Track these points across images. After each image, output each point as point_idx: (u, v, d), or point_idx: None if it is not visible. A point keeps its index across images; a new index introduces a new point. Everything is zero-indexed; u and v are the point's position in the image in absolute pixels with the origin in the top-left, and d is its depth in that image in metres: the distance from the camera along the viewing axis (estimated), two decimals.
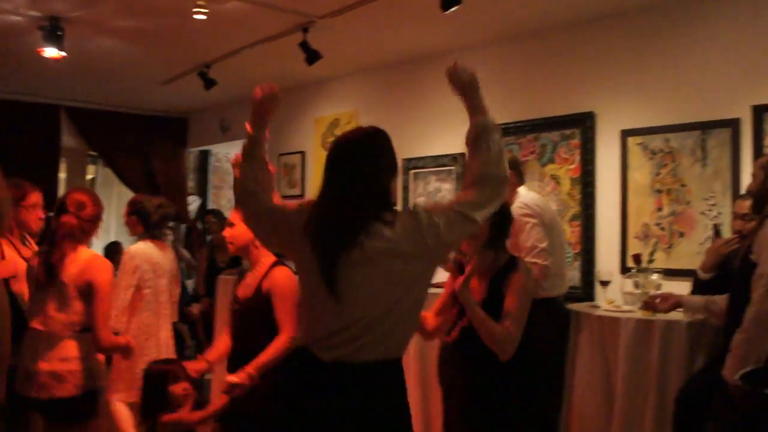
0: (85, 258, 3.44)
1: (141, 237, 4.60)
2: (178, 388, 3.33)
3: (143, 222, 4.61)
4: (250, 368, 3.19)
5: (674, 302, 3.79)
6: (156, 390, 3.33)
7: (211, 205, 9.59)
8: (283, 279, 3.35)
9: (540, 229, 4.10)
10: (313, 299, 2.36)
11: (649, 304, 3.89)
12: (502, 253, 3.18)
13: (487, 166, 2.30)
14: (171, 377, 3.34)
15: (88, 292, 3.38)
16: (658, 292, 4.05)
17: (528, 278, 3.10)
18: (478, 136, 2.32)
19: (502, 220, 3.16)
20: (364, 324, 2.26)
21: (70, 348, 3.39)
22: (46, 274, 3.39)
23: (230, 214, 3.55)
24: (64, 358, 3.37)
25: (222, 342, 3.57)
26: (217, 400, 3.31)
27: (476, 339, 3.01)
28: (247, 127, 2.60)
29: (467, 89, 2.38)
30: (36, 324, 3.41)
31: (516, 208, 4.22)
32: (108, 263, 3.53)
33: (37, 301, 3.44)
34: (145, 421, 3.36)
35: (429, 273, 2.37)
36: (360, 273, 2.24)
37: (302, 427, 2.36)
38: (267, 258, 3.44)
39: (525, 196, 4.35)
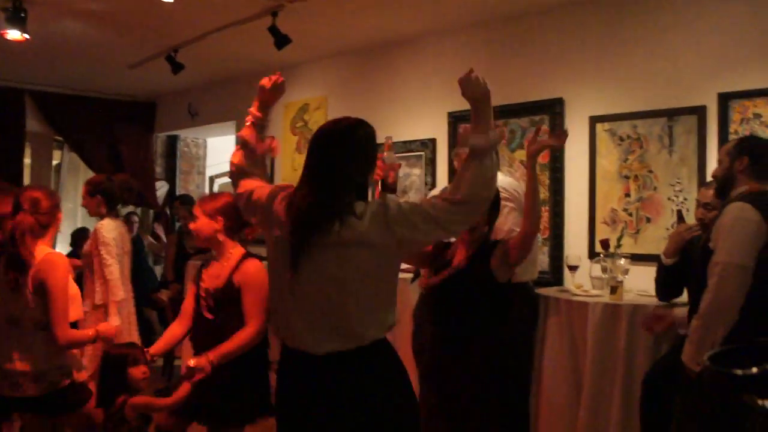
0: (39, 258, 3.43)
1: (106, 216, 4.64)
2: (138, 372, 3.32)
3: (108, 201, 4.66)
4: (212, 355, 3.19)
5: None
6: (115, 373, 3.31)
7: (179, 191, 9.50)
8: (255, 271, 3.34)
9: (517, 213, 4.10)
10: (277, 284, 2.42)
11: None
12: (490, 233, 3.40)
13: (475, 187, 2.30)
14: (130, 360, 3.32)
15: (42, 291, 3.37)
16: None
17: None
18: (474, 153, 2.32)
19: (496, 198, 3.41)
20: (320, 311, 2.31)
21: (39, 346, 3.39)
22: (16, 271, 3.39)
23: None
24: (34, 356, 3.37)
25: (171, 333, 3.53)
26: (182, 386, 3.28)
27: (457, 290, 3.27)
28: (253, 110, 2.82)
29: (478, 102, 2.39)
30: (5, 322, 3.42)
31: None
32: (62, 260, 3.50)
33: (6, 300, 3.43)
34: (103, 404, 3.34)
35: (394, 266, 2.40)
36: (325, 259, 2.29)
37: (281, 415, 2.47)
38: (235, 250, 3.43)
39: (502, 180, 4.28)
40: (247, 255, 3.42)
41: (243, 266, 3.35)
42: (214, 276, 3.41)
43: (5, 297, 3.42)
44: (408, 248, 2.42)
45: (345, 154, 2.35)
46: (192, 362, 3.21)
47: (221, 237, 3.41)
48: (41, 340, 3.40)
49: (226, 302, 3.34)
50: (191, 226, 3.48)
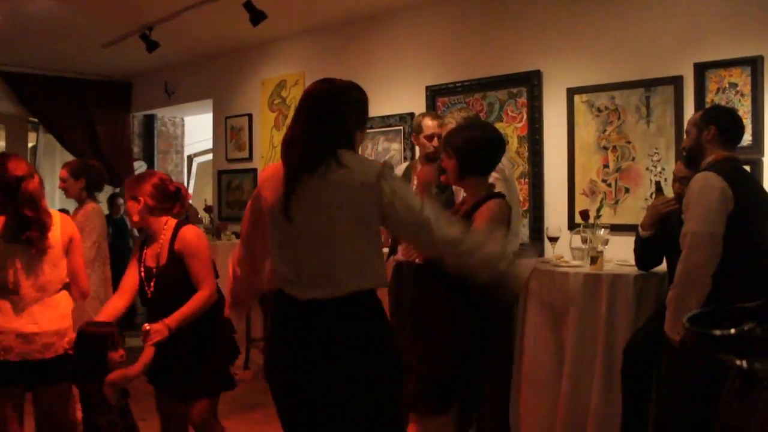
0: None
1: (87, 199, 4.69)
2: (116, 356, 3.31)
3: (92, 186, 4.70)
4: (169, 320, 3.28)
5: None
6: (91, 353, 3.28)
7: (157, 170, 9.45)
8: (193, 237, 3.42)
9: (502, 184, 4.09)
10: (273, 237, 2.49)
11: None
12: (482, 188, 3.27)
13: (476, 257, 2.42)
14: (110, 343, 3.30)
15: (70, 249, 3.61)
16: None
17: (500, 206, 3.19)
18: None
19: (473, 151, 3.23)
20: (305, 257, 2.39)
21: (61, 307, 3.54)
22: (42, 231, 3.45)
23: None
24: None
25: (113, 305, 3.54)
26: (145, 351, 3.36)
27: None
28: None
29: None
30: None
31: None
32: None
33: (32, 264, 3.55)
34: (77, 383, 3.36)
35: (374, 222, 2.43)
36: (310, 206, 2.37)
37: (271, 360, 2.55)
38: (168, 223, 3.49)
39: None
40: (181, 223, 3.49)
41: (180, 234, 3.42)
42: (153, 255, 3.47)
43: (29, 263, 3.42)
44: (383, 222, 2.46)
45: (338, 104, 2.45)
46: (147, 326, 3.30)
47: (147, 217, 3.46)
48: (59, 300, 3.49)
49: (167, 277, 3.41)
50: (129, 208, 3.55)
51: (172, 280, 3.40)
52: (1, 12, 5.50)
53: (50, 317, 3.43)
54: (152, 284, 3.45)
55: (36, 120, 8.94)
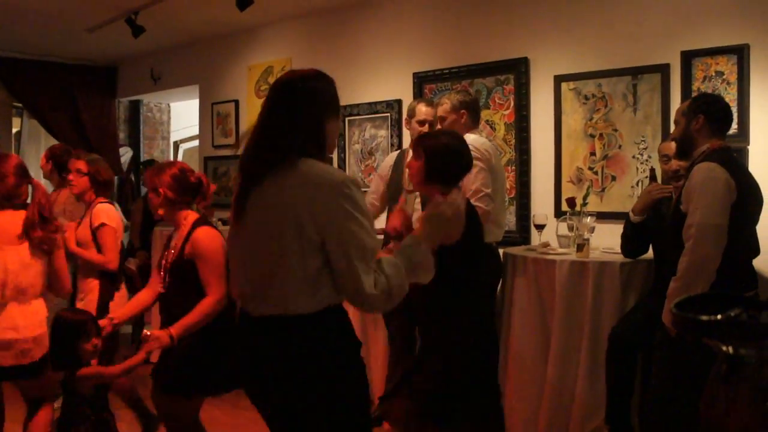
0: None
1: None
2: (89, 345, 3.29)
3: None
4: (173, 328, 3.16)
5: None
6: (65, 342, 3.28)
7: (144, 157, 9.40)
8: (204, 239, 3.27)
9: (486, 173, 4.10)
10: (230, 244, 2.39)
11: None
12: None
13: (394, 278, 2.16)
14: (82, 333, 3.28)
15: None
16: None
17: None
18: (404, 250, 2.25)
19: (445, 158, 3.24)
20: (252, 271, 2.25)
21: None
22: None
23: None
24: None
25: (137, 300, 3.53)
26: (137, 355, 3.26)
27: None
28: None
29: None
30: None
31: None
32: None
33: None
34: (56, 371, 3.35)
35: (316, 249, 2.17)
36: (257, 216, 2.22)
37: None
38: (188, 218, 3.38)
39: (475, 139, 4.24)
40: (198, 222, 3.36)
41: (192, 236, 3.28)
42: (173, 247, 3.38)
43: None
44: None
45: (291, 104, 2.25)
46: (148, 332, 3.19)
47: (168, 209, 3.37)
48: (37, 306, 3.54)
49: (179, 275, 3.30)
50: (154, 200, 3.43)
51: (182, 279, 3.29)
52: None
53: (30, 323, 3.42)
54: (166, 279, 3.36)
55: (20, 105, 8.86)
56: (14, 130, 9.18)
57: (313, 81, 2.30)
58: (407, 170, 3.62)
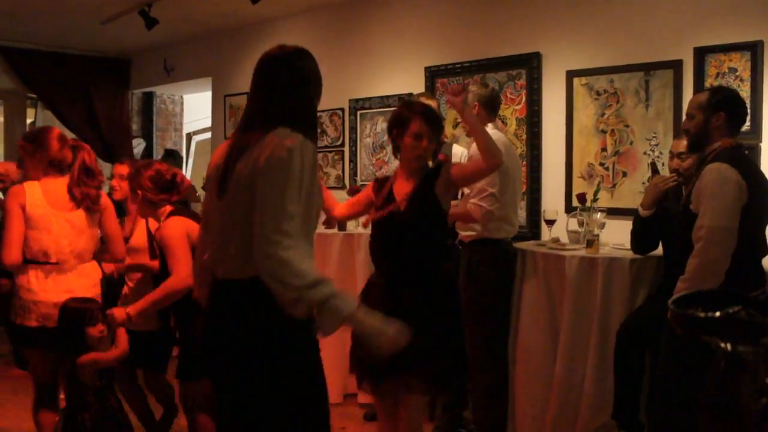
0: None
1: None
2: (95, 331, 3.40)
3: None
4: (132, 307, 3.38)
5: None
6: (72, 328, 3.39)
7: (156, 148, 9.45)
8: (169, 228, 3.47)
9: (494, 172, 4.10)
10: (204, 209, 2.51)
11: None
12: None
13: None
14: (88, 318, 3.40)
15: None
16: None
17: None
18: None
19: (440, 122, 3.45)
20: (221, 234, 2.33)
21: None
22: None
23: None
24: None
25: None
26: (119, 338, 3.55)
27: (406, 227, 3.22)
28: None
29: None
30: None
31: (476, 147, 4.21)
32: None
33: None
34: (63, 357, 3.45)
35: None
36: (235, 181, 2.28)
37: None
38: (167, 209, 3.60)
39: (493, 133, 4.25)
40: (171, 213, 3.57)
41: (162, 224, 3.54)
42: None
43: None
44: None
45: (281, 81, 2.36)
46: (110, 311, 3.43)
47: (148, 208, 3.64)
48: (91, 269, 3.75)
49: (161, 261, 3.55)
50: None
51: (162, 265, 3.52)
52: None
53: (84, 285, 3.60)
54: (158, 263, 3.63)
55: (35, 96, 8.92)
56: (28, 121, 9.24)
57: (305, 59, 2.43)
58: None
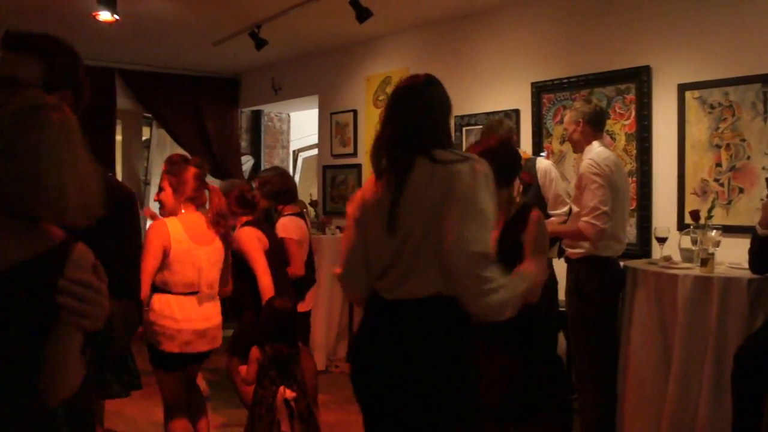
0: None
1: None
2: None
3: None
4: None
5: None
6: (277, 324, 3.87)
7: (264, 165, 9.68)
8: (241, 239, 4.37)
9: (606, 191, 4.04)
10: (372, 237, 2.48)
11: None
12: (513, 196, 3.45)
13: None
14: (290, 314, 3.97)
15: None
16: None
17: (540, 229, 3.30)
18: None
19: (506, 160, 3.32)
20: (402, 259, 2.36)
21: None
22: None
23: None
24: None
25: None
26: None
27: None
28: None
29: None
30: None
31: (585, 164, 4.18)
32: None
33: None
34: (262, 348, 3.80)
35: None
36: (409, 205, 2.34)
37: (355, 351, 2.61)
38: (244, 220, 4.54)
39: (599, 153, 4.19)
40: (246, 224, 4.45)
41: (235, 234, 4.35)
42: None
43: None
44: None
45: (416, 101, 2.47)
46: None
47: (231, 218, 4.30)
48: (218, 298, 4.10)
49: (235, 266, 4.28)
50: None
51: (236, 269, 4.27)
52: (120, 13, 5.73)
53: (217, 312, 3.94)
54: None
55: (149, 115, 9.30)
56: (143, 138, 9.63)
57: (438, 87, 2.56)
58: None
